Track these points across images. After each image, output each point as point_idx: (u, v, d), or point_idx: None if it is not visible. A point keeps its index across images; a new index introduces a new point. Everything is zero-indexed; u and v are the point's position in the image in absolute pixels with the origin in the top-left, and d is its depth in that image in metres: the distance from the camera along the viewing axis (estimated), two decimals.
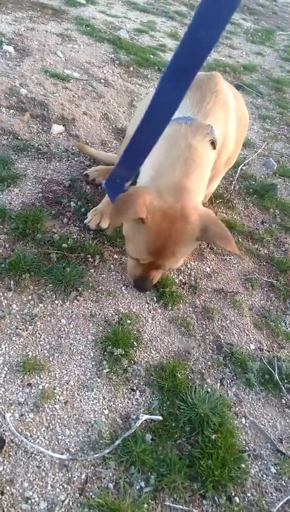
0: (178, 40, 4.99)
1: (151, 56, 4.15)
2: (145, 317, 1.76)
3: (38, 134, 2.49)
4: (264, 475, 1.41)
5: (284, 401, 1.64)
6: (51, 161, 2.33)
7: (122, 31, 4.43)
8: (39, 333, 1.56)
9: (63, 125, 2.60)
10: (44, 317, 1.62)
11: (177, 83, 0.93)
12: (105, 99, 3.06)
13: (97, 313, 1.70)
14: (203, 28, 0.84)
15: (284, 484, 1.40)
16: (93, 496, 1.21)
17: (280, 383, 1.67)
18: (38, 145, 2.38)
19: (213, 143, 1.47)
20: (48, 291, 1.70)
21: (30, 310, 1.62)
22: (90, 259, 1.88)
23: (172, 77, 0.93)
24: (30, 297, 1.66)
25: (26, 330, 1.55)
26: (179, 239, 1.37)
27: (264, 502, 1.34)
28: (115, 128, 2.82)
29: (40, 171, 2.23)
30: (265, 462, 1.44)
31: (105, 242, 1.99)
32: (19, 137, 2.40)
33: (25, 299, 1.65)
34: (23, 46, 3.30)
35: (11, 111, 2.55)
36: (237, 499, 1.32)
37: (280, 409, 1.62)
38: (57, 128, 2.54)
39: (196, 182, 1.36)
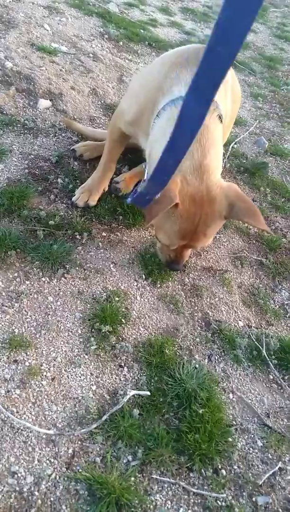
0: (170, 14, 4.87)
1: (142, 31, 4.04)
2: (133, 295, 1.74)
3: (24, 108, 2.41)
4: (251, 449, 1.42)
5: (271, 377, 1.65)
6: (38, 136, 2.27)
7: (112, 5, 4.29)
8: (25, 310, 1.54)
9: (50, 100, 2.52)
10: (31, 294, 1.59)
11: (200, 102, 0.93)
12: (93, 73, 2.98)
13: (85, 290, 1.68)
14: (221, 44, 0.82)
15: (270, 457, 1.42)
16: (80, 470, 1.21)
17: (268, 359, 1.68)
18: (24, 120, 2.32)
19: (220, 117, 1.45)
20: (34, 268, 1.67)
21: (16, 287, 1.59)
22: (77, 236, 1.85)
23: (195, 96, 0.93)
24: (16, 274, 1.63)
25: (12, 307, 1.53)
26: (208, 221, 1.39)
27: (250, 474, 1.35)
28: (104, 103, 2.75)
29: (26, 147, 2.18)
30: (252, 436, 1.46)
31: (94, 220, 1.96)
32: (4, 112, 2.32)
33: (11, 276, 1.62)
34: (9, 18, 3.18)
35: None
36: (223, 471, 1.34)
37: (267, 385, 1.63)
38: (44, 103, 2.47)
39: (213, 159, 1.37)
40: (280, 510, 1.29)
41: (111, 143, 1.91)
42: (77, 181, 2.08)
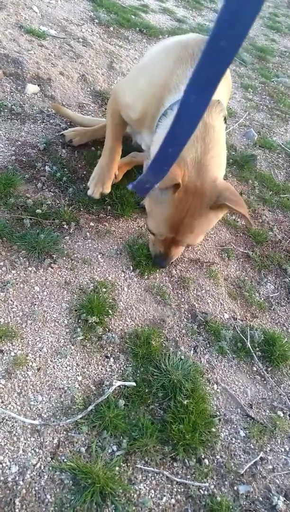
0: (161, 1, 4.79)
1: (133, 17, 3.97)
2: (121, 286, 1.74)
3: (12, 93, 2.36)
4: (234, 439, 1.45)
5: (255, 368, 1.68)
6: (25, 122, 2.23)
7: None
8: (11, 300, 1.52)
9: (38, 85, 2.47)
10: (17, 284, 1.58)
11: (201, 95, 0.93)
12: (83, 59, 2.92)
13: (72, 281, 1.67)
14: (223, 38, 0.80)
15: (252, 447, 1.45)
16: (65, 460, 1.22)
17: (252, 351, 1.70)
18: (12, 105, 2.26)
19: (225, 119, 1.48)
20: (21, 258, 1.65)
21: (2, 277, 1.57)
22: (65, 226, 1.83)
23: (196, 89, 0.92)
24: (2, 263, 1.61)
25: None
26: (196, 214, 1.40)
27: (232, 464, 1.38)
28: (93, 90, 2.71)
29: (13, 133, 2.13)
30: (235, 426, 1.48)
31: (81, 209, 1.94)
32: None
33: None
34: None
35: None
36: (206, 461, 1.36)
37: (251, 376, 1.65)
38: (32, 88, 2.41)
39: (215, 157, 1.39)
40: (261, 498, 1.33)
41: (113, 127, 1.86)
42: (65, 169, 2.05)
